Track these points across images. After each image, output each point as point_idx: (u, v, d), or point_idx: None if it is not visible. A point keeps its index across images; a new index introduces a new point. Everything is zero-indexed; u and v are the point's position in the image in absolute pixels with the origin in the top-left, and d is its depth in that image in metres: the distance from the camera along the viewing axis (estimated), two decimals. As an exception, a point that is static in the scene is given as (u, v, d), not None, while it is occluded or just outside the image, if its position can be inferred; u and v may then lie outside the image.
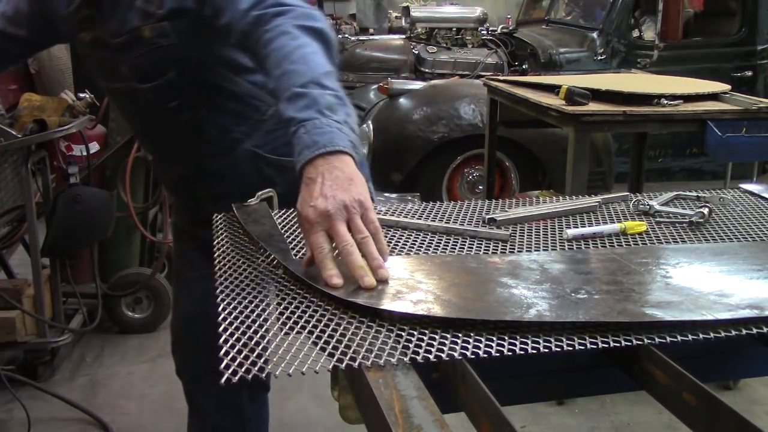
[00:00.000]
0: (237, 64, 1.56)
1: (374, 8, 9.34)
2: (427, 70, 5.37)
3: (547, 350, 0.83)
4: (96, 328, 3.02)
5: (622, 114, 2.62)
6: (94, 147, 3.17)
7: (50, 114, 2.84)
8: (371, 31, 8.00)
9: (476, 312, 0.91)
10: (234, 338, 0.84)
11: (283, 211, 1.38)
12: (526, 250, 1.18)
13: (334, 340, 0.84)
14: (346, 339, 0.84)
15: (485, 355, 0.81)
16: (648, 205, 1.40)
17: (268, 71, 1.26)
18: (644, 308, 0.92)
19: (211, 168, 1.67)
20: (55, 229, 2.72)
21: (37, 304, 2.75)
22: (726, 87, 2.94)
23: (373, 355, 0.81)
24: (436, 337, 0.85)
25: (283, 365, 0.79)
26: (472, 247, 1.20)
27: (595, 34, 5.03)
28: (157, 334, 3.32)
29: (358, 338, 0.85)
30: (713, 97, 2.86)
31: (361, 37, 6.27)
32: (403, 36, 5.90)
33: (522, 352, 0.82)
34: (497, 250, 1.19)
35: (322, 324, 0.88)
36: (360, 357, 0.80)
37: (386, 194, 4.20)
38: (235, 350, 0.81)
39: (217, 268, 1.09)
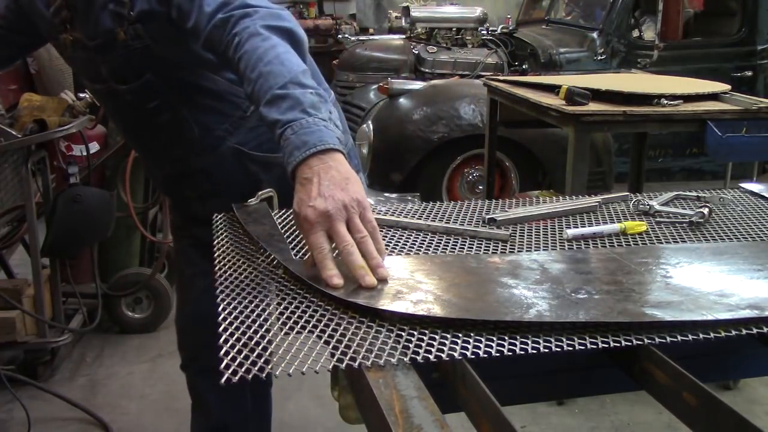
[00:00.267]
0: (214, 63, 1.55)
1: (374, 8, 9.33)
2: (427, 70, 5.37)
3: (547, 350, 0.83)
4: (96, 328, 3.02)
5: (622, 114, 2.62)
6: (94, 147, 3.17)
7: (50, 114, 2.84)
8: (371, 31, 8.00)
9: (476, 312, 0.91)
10: (234, 338, 0.84)
11: (283, 211, 1.38)
12: (526, 250, 1.18)
13: (334, 340, 0.84)
14: (346, 339, 0.85)
15: (485, 355, 0.81)
16: (648, 205, 1.40)
17: (242, 74, 1.25)
18: (644, 308, 0.92)
19: (196, 166, 1.67)
20: (55, 229, 2.72)
21: (37, 304, 2.75)
22: (726, 87, 2.94)
23: (373, 355, 0.81)
24: (436, 337, 0.85)
25: (283, 365, 0.79)
26: (472, 247, 1.20)
27: (595, 34, 5.03)
28: (157, 334, 3.32)
29: (358, 338, 0.85)
30: (713, 97, 2.86)
31: (361, 37, 6.28)
32: (403, 36, 5.90)
33: (522, 352, 0.82)
34: (497, 250, 1.19)
35: (322, 324, 0.88)
36: (360, 357, 0.80)
37: (386, 194, 4.20)
38: (235, 350, 0.81)
39: (217, 268, 1.09)
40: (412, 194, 4.23)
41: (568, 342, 0.84)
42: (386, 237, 1.22)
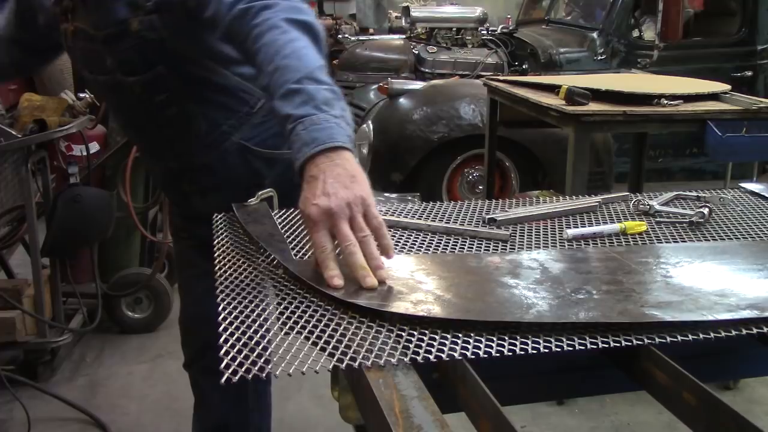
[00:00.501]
0: (225, 57, 1.55)
1: (374, 8, 9.33)
2: (427, 70, 5.37)
3: (547, 350, 0.83)
4: (96, 328, 3.02)
5: (622, 114, 2.62)
6: (94, 147, 3.17)
7: (50, 114, 2.84)
8: (371, 31, 8.00)
9: (476, 312, 0.91)
10: (234, 338, 0.84)
11: (283, 210, 1.38)
12: (527, 250, 1.18)
13: (334, 340, 0.84)
14: (346, 339, 0.84)
15: (485, 355, 0.81)
16: (648, 205, 1.40)
17: (259, 66, 1.25)
18: (644, 308, 0.92)
19: (198, 161, 1.65)
20: (55, 229, 2.72)
21: (37, 304, 2.75)
22: (726, 87, 2.94)
23: (373, 355, 0.81)
24: (436, 337, 0.85)
25: (283, 365, 0.79)
26: (472, 247, 1.20)
27: (595, 34, 5.03)
28: (157, 334, 3.32)
29: (358, 338, 0.85)
30: (713, 97, 2.86)
31: (361, 37, 6.28)
32: (403, 36, 5.90)
33: (522, 353, 0.82)
34: (497, 249, 1.19)
35: (322, 324, 0.88)
36: (360, 357, 0.80)
37: (386, 194, 4.20)
38: (235, 350, 0.81)
39: (217, 268, 1.09)
40: (412, 194, 4.21)
41: (568, 342, 0.84)
42: (386, 237, 1.22)
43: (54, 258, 2.84)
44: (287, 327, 0.88)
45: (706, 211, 1.34)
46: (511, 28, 5.83)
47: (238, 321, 0.89)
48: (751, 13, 5.12)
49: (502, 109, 3.36)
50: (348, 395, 0.91)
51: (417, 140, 4.18)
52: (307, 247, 1.18)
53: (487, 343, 0.83)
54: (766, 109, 2.64)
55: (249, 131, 1.63)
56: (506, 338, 0.85)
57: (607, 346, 0.84)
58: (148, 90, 1.55)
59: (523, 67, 5.26)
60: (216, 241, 1.22)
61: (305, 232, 1.26)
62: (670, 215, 1.37)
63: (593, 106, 2.64)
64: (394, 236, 1.25)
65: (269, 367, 0.78)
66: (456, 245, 1.21)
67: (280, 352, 0.82)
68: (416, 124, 4.19)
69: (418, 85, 4.56)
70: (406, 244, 1.21)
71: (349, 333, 0.86)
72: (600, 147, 4.17)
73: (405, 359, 0.80)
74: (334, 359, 0.80)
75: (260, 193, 1.37)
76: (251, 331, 0.87)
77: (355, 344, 0.83)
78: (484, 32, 5.65)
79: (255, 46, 1.26)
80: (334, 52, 6.12)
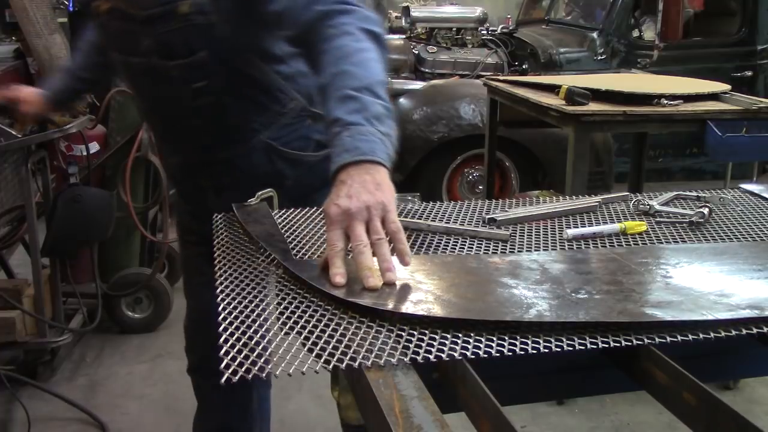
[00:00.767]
0: (268, 53, 1.52)
1: (374, 8, 9.31)
2: (427, 70, 5.36)
3: (547, 350, 0.83)
4: (96, 328, 3.02)
5: (622, 114, 2.62)
6: (94, 147, 3.17)
7: (50, 114, 2.84)
8: (371, 31, 7.97)
9: (476, 312, 0.91)
10: (234, 338, 0.84)
11: (283, 211, 1.38)
12: (526, 250, 1.18)
13: (334, 340, 0.84)
14: (346, 339, 0.85)
15: (485, 355, 0.81)
16: (648, 205, 1.40)
17: (322, 67, 1.25)
18: (644, 308, 0.92)
19: (222, 156, 1.61)
20: (55, 229, 2.72)
21: (37, 304, 2.75)
22: (726, 87, 2.95)
23: (373, 355, 0.81)
24: (436, 337, 0.85)
25: (283, 365, 0.79)
26: (472, 247, 1.20)
27: (595, 34, 5.03)
28: (157, 334, 3.32)
29: (358, 338, 0.85)
30: (713, 97, 2.86)
31: (361, 37, 6.26)
32: (403, 36, 5.89)
33: (522, 353, 0.82)
34: (497, 250, 1.19)
35: (322, 324, 0.88)
36: (360, 357, 0.80)
37: (386, 194, 4.20)
38: (235, 350, 0.81)
39: (217, 268, 1.09)
40: (412, 194, 4.23)
41: (568, 342, 0.84)
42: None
43: (54, 258, 2.84)
44: (287, 327, 0.88)
45: (706, 211, 1.34)
46: (511, 28, 5.83)
47: (238, 321, 0.89)
48: (751, 13, 5.12)
49: (502, 109, 3.36)
50: (348, 395, 0.91)
51: (417, 140, 4.19)
52: (307, 246, 1.18)
53: (487, 343, 0.83)
54: (766, 109, 2.64)
55: (277, 131, 1.60)
56: (506, 338, 0.85)
57: (607, 346, 0.84)
58: (185, 75, 1.50)
59: (523, 67, 5.26)
60: (216, 241, 1.22)
61: (306, 231, 1.26)
62: (670, 215, 1.37)
63: (593, 106, 2.64)
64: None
65: (269, 367, 0.78)
66: (456, 245, 1.21)
67: (280, 352, 0.82)
68: (416, 124, 4.20)
69: (418, 85, 4.56)
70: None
71: (349, 333, 0.86)
72: (600, 147, 4.17)
73: (405, 359, 0.80)
74: (334, 359, 0.80)
75: (260, 193, 1.37)
76: (251, 331, 0.87)
77: (355, 344, 0.83)
78: (484, 32, 5.65)
79: (323, 46, 1.26)
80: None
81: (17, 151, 2.62)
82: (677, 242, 1.24)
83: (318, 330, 0.87)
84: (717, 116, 2.65)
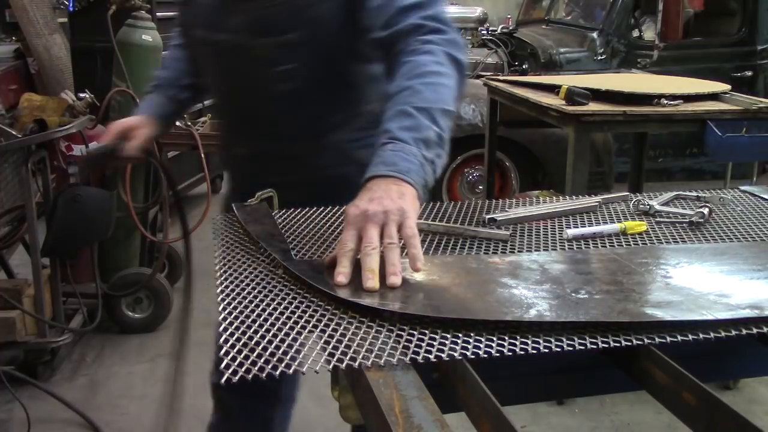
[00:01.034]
0: (356, 48, 1.46)
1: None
2: (427, 70, 5.36)
3: (547, 350, 0.83)
4: (96, 328, 3.02)
5: (622, 114, 2.62)
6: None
7: (50, 114, 2.84)
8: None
9: (476, 312, 0.91)
10: (234, 338, 0.84)
11: (283, 211, 1.38)
12: (527, 250, 1.18)
13: (334, 340, 0.84)
14: (346, 339, 0.85)
15: (485, 355, 0.81)
16: (648, 205, 1.40)
17: (396, 76, 1.25)
18: (644, 308, 0.92)
19: (291, 151, 1.55)
20: (55, 229, 2.72)
21: (37, 304, 2.75)
22: (726, 87, 2.95)
23: (373, 355, 0.81)
24: (436, 337, 0.85)
25: (283, 365, 0.79)
26: (472, 248, 1.20)
27: (595, 34, 5.03)
28: (157, 334, 3.32)
29: (358, 338, 0.85)
30: (713, 97, 2.86)
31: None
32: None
33: (522, 352, 0.82)
34: (497, 250, 1.19)
35: (322, 324, 0.88)
36: (360, 357, 0.80)
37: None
38: (235, 350, 0.81)
39: (217, 268, 1.09)
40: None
41: (568, 342, 0.84)
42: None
43: (54, 258, 2.84)
44: (287, 327, 0.88)
45: (706, 211, 1.34)
46: (511, 28, 5.84)
47: (238, 321, 0.89)
48: (751, 13, 5.12)
49: (502, 109, 3.36)
50: (348, 395, 0.91)
51: (417, 140, 4.18)
52: (307, 246, 1.18)
53: (487, 343, 0.83)
54: (766, 109, 2.64)
55: (351, 132, 1.55)
56: (506, 338, 0.85)
57: (607, 346, 0.84)
58: (272, 56, 1.45)
59: (523, 67, 5.26)
60: (216, 241, 1.22)
61: (306, 231, 1.26)
62: (670, 215, 1.37)
63: (593, 106, 2.64)
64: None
65: (269, 367, 0.78)
66: (456, 245, 1.21)
67: (280, 352, 0.82)
68: (416, 124, 4.19)
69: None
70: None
71: (349, 333, 0.86)
72: (600, 147, 4.17)
73: (405, 359, 0.80)
74: (334, 359, 0.80)
75: (260, 193, 1.37)
76: (251, 331, 0.87)
77: (355, 344, 0.83)
78: (484, 32, 5.66)
79: (404, 58, 1.27)
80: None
81: (17, 151, 2.63)
82: (677, 242, 1.24)
83: (318, 330, 0.87)
84: (717, 116, 2.65)
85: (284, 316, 0.91)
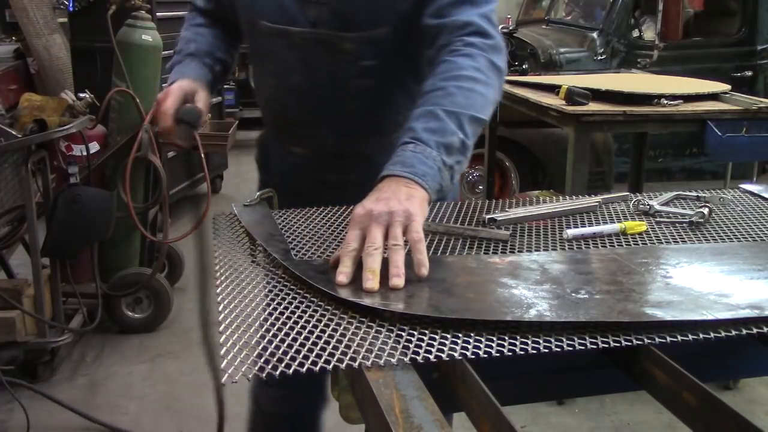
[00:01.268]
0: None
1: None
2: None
3: (547, 350, 0.83)
4: (96, 328, 3.02)
5: (622, 114, 2.62)
6: (94, 147, 3.17)
7: (50, 114, 2.84)
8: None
9: (476, 312, 0.91)
10: (234, 338, 0.84)
11: (283, 211, 1.38)
12: (527, 250, 1.18)
13: (334, 340, 0.84)
14: (346, 339, 0.85)
15: (485, 355, 0.81)
16: (648, 205, 1.40)
17: (433, 73, 1.25)
18: (644, 308, 0.92)
19: (358, 149, 1.51)
20: (55, 229, 2.72)
21: (37, 304, 2.75)
22: (726, 87, 2.95)
23: (373, 355, 0.81)
24: (436, 337, 0.85)
25: (283, 365, 0.79)
26: (472, 248, 1.20)
27: (595, 34, 5.04)
28: (157, 334, 3.32)
29: (358, 338, 0.85)
30: (713, 97, 2.86)
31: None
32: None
33: (522, 353, 0.82)
34: (497, 250, 1.19)
35: (322, 324, 0.88)
36: (360, 357, 0.80)
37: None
38: (235, 350, 0.81)
39: (217, 267, 1.09)
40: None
41: (568, 342, 0.84)
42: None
43: (54, 258, 2.84)
44: (287, 327, 0.88)
45: (706, 211, 1.34)
46: (511, 28, 5.82)
47: (239, 321, 0.89)
48: (751, 13, 5.12)
49: (502, 109, 3.36)
50: (348, 395, 0.91)
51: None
52: (307, 246, 1.18)
53: (487, 343, 0.83)
54: (766, 109, 2.64)
55: None
56: (506, 338, 0.85)
57: (607, 346, 0.84)
58: (359, 50, 1.41)
59: (523, 67, 5.25)
60: (216, 241, 1.22)
61: (306, 231, 1.26)
62: (670, 215, 1.37)
63: (593, 106, 2.64)
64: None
65: (269, 367, 0.78)
66: (456, 245, 1.21)
67: (279, 352, 0.82)
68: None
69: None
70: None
71: (349, 333, 0.86)
72: (600, 147, 4.17)
73: (405, 359, 0.80)
74: (334, 359, 0.80)
75: (260, 193, 1.37)
76: (251, 330, 0.87)
77: (355, 344, 0.83)
78: (485, 32, 5.64)
79: (444, 56, 1.26)
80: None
81: (17, 151, 2.63)
82: (677, 242, 1.24)
83: (318, 330, 0.87)
84: (717, 116, 2.65)
85: (284, 316, 0.91)
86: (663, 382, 0.84)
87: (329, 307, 0.93)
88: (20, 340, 2.73)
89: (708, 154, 2.91)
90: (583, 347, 0.83)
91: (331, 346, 0.83)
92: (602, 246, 1.22)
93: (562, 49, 5.03)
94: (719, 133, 2.60)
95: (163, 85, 1.57)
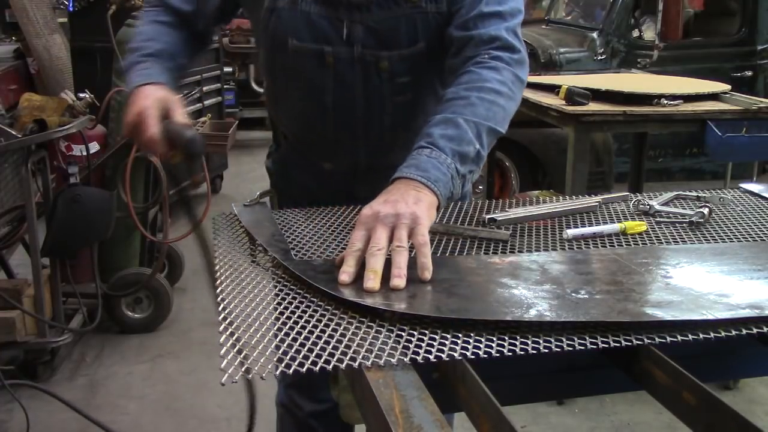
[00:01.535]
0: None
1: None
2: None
3: (547, 350, 0.83)
4: (96, 328, 3.02)
5: (622, 114, 2.62)
6: (94, 147, 3.17)
7: (50, 114, 2.84)
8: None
9: (476, 312, 0.91)
10: (234, 338, 0.84)
11: (283, 211, 1.38)
12: (527, 250, 1.18)
13: (334, 340, 0.84)
14: (346, 339, 0.85)
15: (485, 355, 0.81)
16: (648, 205, 1.40)
17: (456, 82, 1.25)
18: (644, 308, 0.92)
19: (390, 160, 1.44)
20: (55, 229, 2.72)
21: (37, 304, 2.75)
22: (726, 87, 2.95)
23: (373, 355, 0.81)
24: (436, 337, 0.85)
25: (283, 365, 0.79)
26: (472, 248, 1.20)
27: (595, 34, 5.04)
28: (157, 334, 3.32)
29: (358, 338, 0.85)
30: (713, 97, 2.86)
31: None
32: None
33: (522, 353, 0.82)
34: (497, 250, 1.19)
35: (322, 324, 0.88)
36: (360, 357, 0.80)
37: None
38: (235, 350, 0.81)
39: (217, 267, 1.09)
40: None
41: (568, 342, 0.84)
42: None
43: (54, 258, 2.84)
44: (287, 327, 0.88)
45: (706, 211, 1.34)
46: (511, 28, 5.83)
47: (239, 321, 0.89)
48: (751, 13, 5.12)
49: (502, 109, 3.35)
50: (348, 395, 0.91)
51: (417, 140, 4.18)
52: (307, 246, 1.18)
53: (487, 343, 0.83)
54: (766, 109, 2.64)
55: None
56: (506, 338, 0.85)
57: (607, 346, 0.84)
58: (397, 68, 1.38)
59: (523, 67, 5.25)
60: (216, 241, 1.22)
61: (306, 231, 1.26)
62: (670, 215, 1.37)
63: (593, 106, 2.64)
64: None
65: (269, 367, 0.78)
66: (456, 245, 1.21)
67: (280, 351, 0.82)
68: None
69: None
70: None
71: (349, 333, 0.86)
72: (600, 147, 4.17)
73: (405, 359, 0.80)
74: (334, 359, 0.80)
75: (260, 192, 1.37)
76: (251, 330, 0.87)
77: (355, 344, 0.83)
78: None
79: (470, 68, 1.26)
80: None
81: (17, 151, 2.63)
82: (677, 242, 1.24)
83: (318, 330, 0.87)
84: (717, 116, 2.65)
85: (284, 316, 0.91)
86: (663, 382, 0.84)
87: (329, 307, 0.93)
88: (20, 340, 2.73)
89: (708, 154, 2.92)
90: (583, 347, 0.83)
91: (331, 346, 0.83)
92: (602, 246, 1.22)
93: (562, 49, 5.03)
94: (719, 133, 2.60)
95: (116, 89, 1.44)
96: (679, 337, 0.86)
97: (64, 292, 2.95)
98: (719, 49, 5.24)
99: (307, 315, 0.91)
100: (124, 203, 3.09)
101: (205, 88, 4.95)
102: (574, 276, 1.05)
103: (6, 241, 2.95)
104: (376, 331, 0.87)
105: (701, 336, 0.86)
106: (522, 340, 0.84)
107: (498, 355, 0.82)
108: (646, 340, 0.85)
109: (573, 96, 2.64)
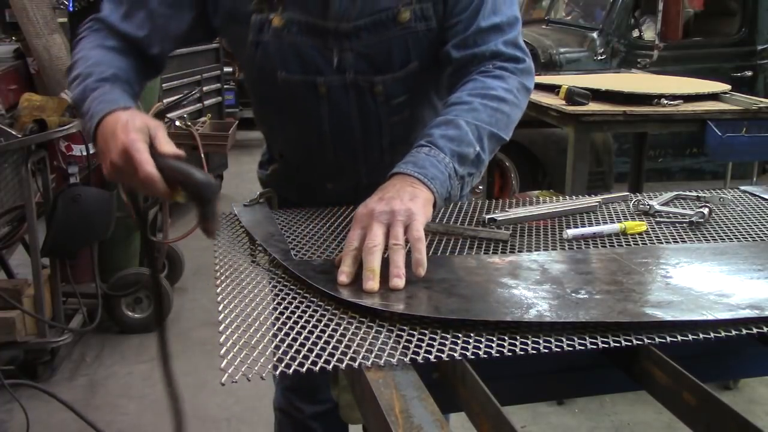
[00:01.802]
0: None
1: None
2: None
3: (547, 350, 0.83)
4: (96, 328, 3.02)
5: (622, 114, 2.62)
6: (94, 147, 3.17)
7: (50, 114, 2.84)
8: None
9: (476, 312, 0.91)
10: (234, 338, 0.84)
11: (283, 211, 1.38)
12: (527, 250, 1.18)
13: (334, 340, 0.84)
14: (346, 339, 0.85)
15: (485, 355, 0.81)
16: (648, 205, 1.40)
17: (461, 88, 1.25)
18: (644, 308, 0.92)
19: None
20: (55, 229, 2.72)
21: (37, 304, 2.75)
22: (726, 87, 2.95)
23: (373, 355, 0.81)
24: (436, 337, 0.85)
25: (283, 365, 0.79)
26: (472, 247, 1.20)
27: (595, 34, 5.04)
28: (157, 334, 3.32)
29: (358, 338, 0.85)
30: (713, 97, 2.86)
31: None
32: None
33: (522, 353, 0.82)
34: (497, 250, 1.19)
35: (322, 324, 0.88)
36: (360, 357, 0.80)
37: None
38: (235, 350, 0.81)
39: (217, 267, 1.09)
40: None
41: (568, 342, 0.84)
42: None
43: (54, 258, 2.84)
44: (287, 327, 0.88)
45: (706, 211, 1.34)
46: (511, 28, 5.83)
47: (239, 321, 0.89)
48: (751, 13, 5.12)
49: (502, 109, 3.35)
50: (348, 395, 0.91)
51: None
52: (307, 246, 1.18)
53: (487, 343, 0.83)
54: (766, 109, 2.64)
55: None
56: (506, 338, 0.85)
57: (607, 346, 0.84)
58: (392, 90, 1.36)
59: (523, 67, 5.26)
60: (216, 241, 1.22)
61: (306, 231, 1.26)
62: (670, 215, 1.37)
63: (593, 106, 2.64)
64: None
65: (269, 367, 0.78)
66: (456, 245, 1.21)
67: (279, 352, 0.82)
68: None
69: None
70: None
71: (349, 333, 0.86)
72: (600, 147, 4.17)
73: (405, 359, 0.80)
74: (334, 359, 0.80)
75: (260, 193, 1.37)
76: (251, 330, 0.87)
77: (355, 344, 0.83)
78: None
79: (475, 76, 1.26)
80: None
81: (17, 151, 2.63)
82: (677, 242, 1.24)
83: (318, 330, 0.87)
84: (717, 116, 2.65)
85: (284, 316, 0.91)
86: (663, 382, 0.84)
87: (329, 307, 0.93)
88: (20, 340, 2.73)
89: (708, 154, 2.92)
90: (583, 347, 0.83)
91: (331, 346, 0.83)
92: (602, 246, 1.22)
93: (562, 49, 5.03)
94: (719, 133, 2.60)
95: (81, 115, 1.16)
96: (679, 337, 0.86)
97: (64, 292, 2.95)
98: (719, 49, 5.24)
99: (307, 315, 0.91)
100: (124, 203, 3.09)
101: (205, 88, 4.96)
102: (574, 276, 1.05)
103: (6, 241, 2.95)
104: (376, 331, 0.87)
105: (701, 336, 0.86)
106: (522, 340, 0.84)
107: (498, 355, 0.82)
108: (646, 340, 0.85)
109: (573, 96, 2.64)
